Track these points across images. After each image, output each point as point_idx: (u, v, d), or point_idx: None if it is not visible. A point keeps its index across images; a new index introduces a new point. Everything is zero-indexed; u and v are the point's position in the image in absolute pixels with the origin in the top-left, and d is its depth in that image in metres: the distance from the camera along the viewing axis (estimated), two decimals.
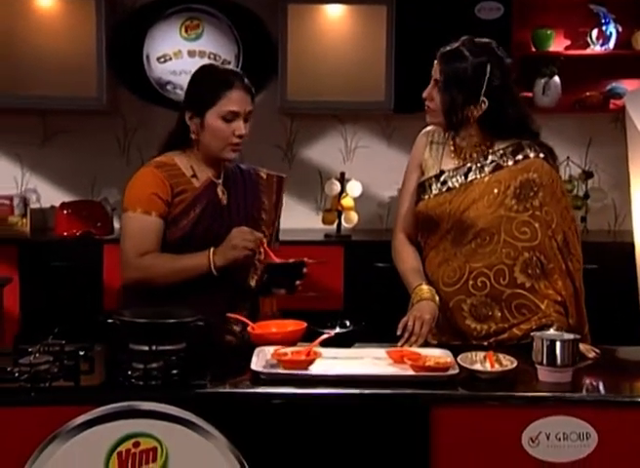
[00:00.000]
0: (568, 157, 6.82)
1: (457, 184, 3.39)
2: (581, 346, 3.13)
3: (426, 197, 3.45)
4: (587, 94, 6.75)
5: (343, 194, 6.57)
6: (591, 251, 6.37)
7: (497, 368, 2.86)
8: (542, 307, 3.30)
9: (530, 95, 6.69)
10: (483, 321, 3.34)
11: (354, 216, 6.53)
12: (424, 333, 3.23)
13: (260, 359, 2.92)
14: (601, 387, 2.99)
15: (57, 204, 6.60)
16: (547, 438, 2.66)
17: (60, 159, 6.81)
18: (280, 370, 2.83)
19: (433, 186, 3.43)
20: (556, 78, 6.65)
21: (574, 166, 6.85)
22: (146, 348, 2.83)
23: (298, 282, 3.48)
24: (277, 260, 3.42)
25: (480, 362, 2.91)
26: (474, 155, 3.40)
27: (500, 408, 2.72)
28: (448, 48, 3.36)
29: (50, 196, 6.83)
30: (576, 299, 3.37)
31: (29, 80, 6.50)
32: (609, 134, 6.91)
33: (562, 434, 2.66)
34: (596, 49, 6.68)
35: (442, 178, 3.42)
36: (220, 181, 3.56)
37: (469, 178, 3.38)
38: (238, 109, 3.44)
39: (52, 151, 6.88)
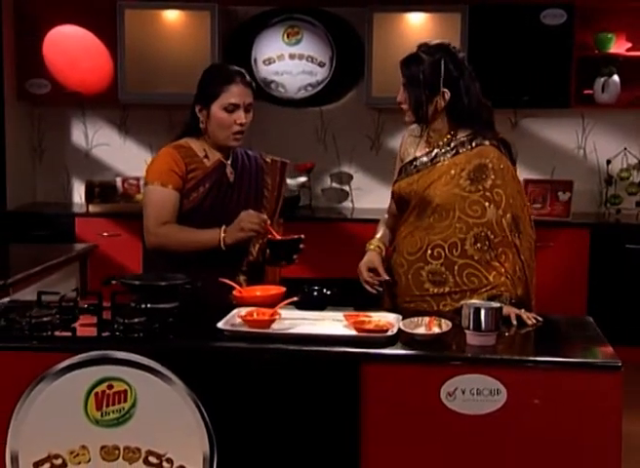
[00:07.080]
0: (625, 148, 6.63)
1: (423, 166, 3.39)
2: (524, 314, 3.07)
3: (400, 179, 3.47)
4: None
5: None
6: None
7: (434, 331, 2.83)
8: (490, 278, 3.25)
9: (590, 92, 6.49)
10: (439, 285, 3.32)
11: None
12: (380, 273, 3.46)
13: (233, 318, 2.95)
14: (516, 350, 2.93)
15: None
16: (463, 393, 2.62)
17: None
18: (238, 329, 2.86)
19: (407, 170, 3.45)
20: (615, 77, 6.41)
21: (630, 156, 6.63)
22: (132, 305, 2.92)
23: (295, 255, 3.51)
24: (278, 237, 3.47)
25: (425, 325, 2.88)
26: (441, 143, 3.38)
27: (422, 366, 2.70)
28: (408, 55, 3.38)
29: None
30: (522, 272, 3.28)
31: (157, 80, 6.71)
32: None
33: (475, 390, 2.61)
34: None
35: (414, 163, 3.43)
36: (229, 162, 3.62)
37: (434, 162, 3.38)
38: (237, 101, 3.50)
39: None
